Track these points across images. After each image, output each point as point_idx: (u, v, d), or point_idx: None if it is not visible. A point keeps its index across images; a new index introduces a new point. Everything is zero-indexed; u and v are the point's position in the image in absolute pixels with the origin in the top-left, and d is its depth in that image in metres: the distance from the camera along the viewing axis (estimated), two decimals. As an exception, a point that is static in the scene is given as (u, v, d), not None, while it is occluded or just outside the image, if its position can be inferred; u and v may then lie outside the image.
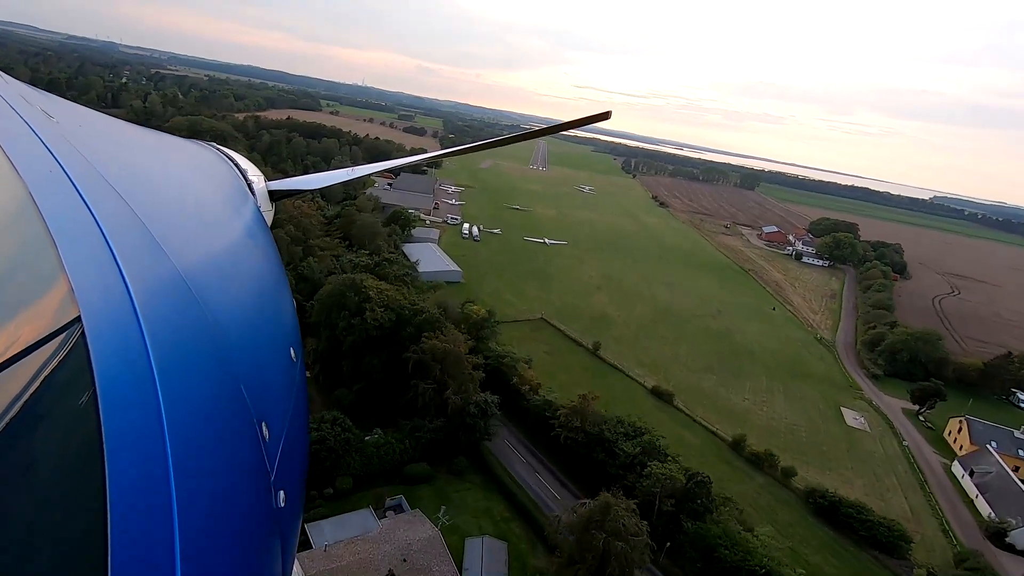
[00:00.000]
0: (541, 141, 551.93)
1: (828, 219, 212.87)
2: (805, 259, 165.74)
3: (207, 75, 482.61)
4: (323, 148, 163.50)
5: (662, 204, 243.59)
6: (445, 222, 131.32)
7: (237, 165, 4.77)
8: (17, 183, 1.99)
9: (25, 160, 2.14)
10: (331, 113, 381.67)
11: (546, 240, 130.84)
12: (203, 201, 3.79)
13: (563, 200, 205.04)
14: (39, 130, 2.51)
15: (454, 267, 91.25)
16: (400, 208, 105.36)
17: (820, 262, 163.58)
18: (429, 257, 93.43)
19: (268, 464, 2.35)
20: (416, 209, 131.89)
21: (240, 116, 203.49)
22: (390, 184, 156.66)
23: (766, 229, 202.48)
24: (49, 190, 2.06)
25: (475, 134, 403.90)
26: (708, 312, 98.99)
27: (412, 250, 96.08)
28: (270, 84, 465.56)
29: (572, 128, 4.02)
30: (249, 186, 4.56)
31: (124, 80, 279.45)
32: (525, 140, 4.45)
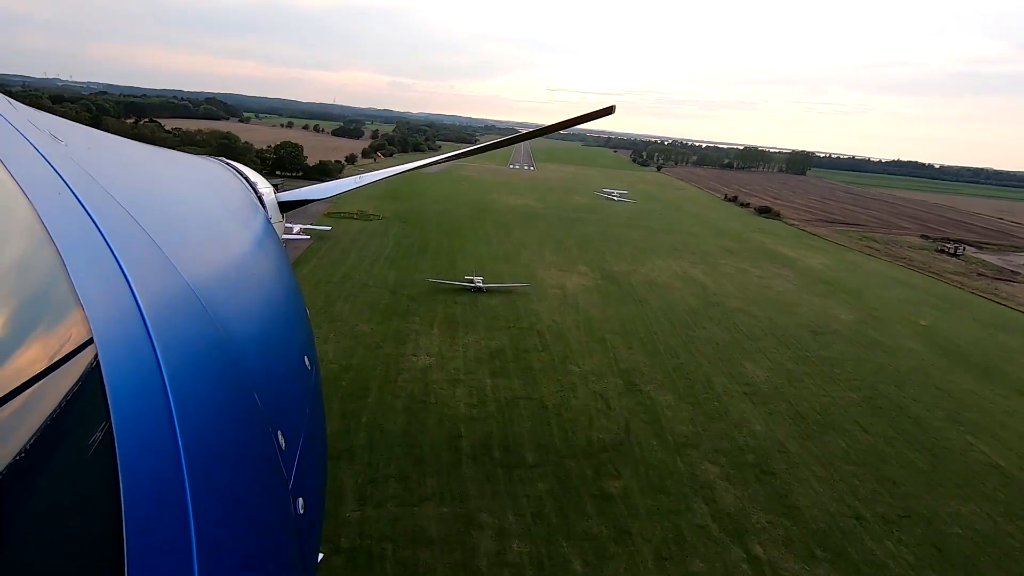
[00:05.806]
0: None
1: None
2: None
3: (119, 96, 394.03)
4: None
5: (763, 211, 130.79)
6: None
7: (247, 178, 4.74)
8: (26, 207, 1.98)
9: (34, 184, 2.13)
10: (240, 122, 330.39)
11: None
12: (213, 215, 3.75)
13: (588, 228, 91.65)
14: (47, 153, 2.52)
15: None
16: None
17: None
18: None
19: (285, 472, 2.31)
20: None
21: None
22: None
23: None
24: (58, 212, 2.04)
25: (432, 133, 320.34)
26: None
27: None
28: (156, 99, 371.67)
29: (578, 124, 4.12)
30: (259, 198, 4.52)
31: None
32: (533, 138, 4.66)
